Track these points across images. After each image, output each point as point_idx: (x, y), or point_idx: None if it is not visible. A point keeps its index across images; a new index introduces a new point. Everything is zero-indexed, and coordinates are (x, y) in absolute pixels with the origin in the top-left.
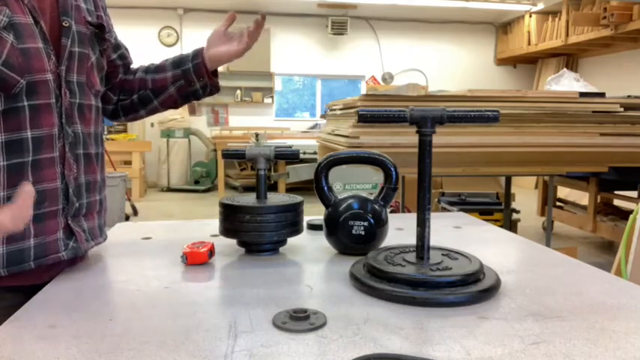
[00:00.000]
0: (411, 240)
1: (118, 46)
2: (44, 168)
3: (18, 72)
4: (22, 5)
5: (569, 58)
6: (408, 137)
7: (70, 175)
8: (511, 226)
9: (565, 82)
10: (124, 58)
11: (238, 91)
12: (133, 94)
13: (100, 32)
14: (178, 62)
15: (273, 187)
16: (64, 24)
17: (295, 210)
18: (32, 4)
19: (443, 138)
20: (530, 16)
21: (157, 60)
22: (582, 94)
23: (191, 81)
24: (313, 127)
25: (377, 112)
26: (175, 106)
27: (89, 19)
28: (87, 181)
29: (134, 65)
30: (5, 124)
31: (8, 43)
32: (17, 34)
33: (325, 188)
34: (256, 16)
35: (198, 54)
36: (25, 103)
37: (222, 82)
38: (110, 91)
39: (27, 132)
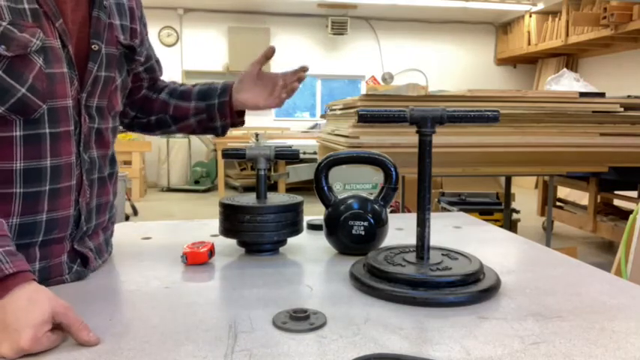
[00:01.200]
0: (411, 240)
1: (148, 57)
2: (61, 196)
3: (41, 97)
4: (52, 28)
5: (569, 58)
6: (408, 137)
7: (83, 201)
8: (511, 226)
9: (565, 82)
10: (152, 72)
11: None
12: (152, 115)
13: (130, 53)
14: (205, 94)
15: (273, 187)
16: (93, 47)
17: (295, 210)
18: (63, 27)
19: (443, 138)
20: (530, 16)
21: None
22: (582, 94)
23: (213, 117)
24: (313, 127)
25: (377, 112)
26: (192, 133)
27: (121, 38)
28: (98, 203)
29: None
30: (25, 151)
31: (37, 67)
32: (46, 58)
33: (325, 188)
34: (298, 70)
35: (226, 90)
36: (47, 131)
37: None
38: (129, 107)
39: (47, 161)
